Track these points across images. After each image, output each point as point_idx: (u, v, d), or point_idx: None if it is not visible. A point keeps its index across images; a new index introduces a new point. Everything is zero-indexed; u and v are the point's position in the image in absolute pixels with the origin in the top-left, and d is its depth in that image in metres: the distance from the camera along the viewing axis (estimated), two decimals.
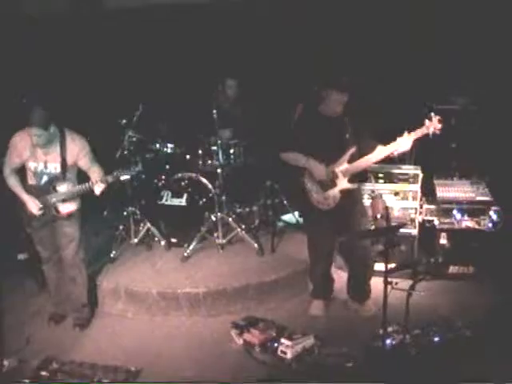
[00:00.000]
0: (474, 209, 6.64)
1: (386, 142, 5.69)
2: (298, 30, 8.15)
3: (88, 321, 6.10)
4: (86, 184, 5.69)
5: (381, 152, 5.71)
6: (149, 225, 7.16)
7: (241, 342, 5.62)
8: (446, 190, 6.77)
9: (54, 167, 5.71)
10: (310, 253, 6.20)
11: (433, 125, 5.47)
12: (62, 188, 5.74)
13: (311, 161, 5.74)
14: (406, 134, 5.58)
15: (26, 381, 5.03)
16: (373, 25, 7.90)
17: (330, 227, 5.97)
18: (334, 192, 5.76)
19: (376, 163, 5.94)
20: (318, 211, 5.89)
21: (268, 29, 8.23)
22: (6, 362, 5.21)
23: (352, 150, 5.74)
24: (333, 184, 5.76)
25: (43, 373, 5.13)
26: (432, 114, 5.52)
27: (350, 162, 5.77)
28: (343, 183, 5.78)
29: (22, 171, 5.82)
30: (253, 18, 8.35)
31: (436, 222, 6.65)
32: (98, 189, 5.65)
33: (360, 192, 6.17)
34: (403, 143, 5.59)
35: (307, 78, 7.50)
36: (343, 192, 5.77)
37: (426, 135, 5.53)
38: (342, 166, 5.77)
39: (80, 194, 5.78)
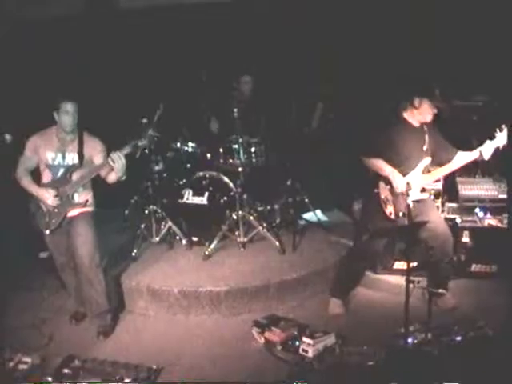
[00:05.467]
0: (496, 207, 6.60)
1: None
2: (312, 27, 8.18)
3: (112, 328, 6.03)
4: (102, 161, 5.72)
5: (461, 160, 5.74)
6: (170, 223, 7.16)
7: (262, 340, 5.62)
8: (468, 188, 6.71)
9: (72, 158, 5.77)
10: (359, 251, 6.14)
11: (504, 136, 5.53)
12: (77, 175, 5.77)
13: (395, 172, 5.67)
14: (487, 142, 5.59)
15: (49, 379, 5.06)
16: (389, 20, 7.92)
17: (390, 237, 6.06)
18: (404, 203, 5.69)
19: None
20: (387, 220, 5.82)
21: (283, 26, 8.25)
22: (28, 360, 5.27)
23: (426, 160, 5.75)
24: (406, 195, 5.71)
25: (65, 370, 5.15)
26: (503, 125, 5.55)
27: (423, 172, 5.78)
28: (416, 194, 5.75)
29: (33, 174, 5.87)
30: (266, 15, 8.38)
31: (458, 220, 6.60)
32: (118, 160, 5.56)
33: (432, 203, 6.13)
34: (486, 151, 5.61)
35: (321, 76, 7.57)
36: (416, 202, 5.72)
37: (497, 148, 5.58)
38: (416, 177, 5.75)
39: (96, 172, 5.74)
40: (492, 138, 5.59)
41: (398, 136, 5.72)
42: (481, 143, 5.66)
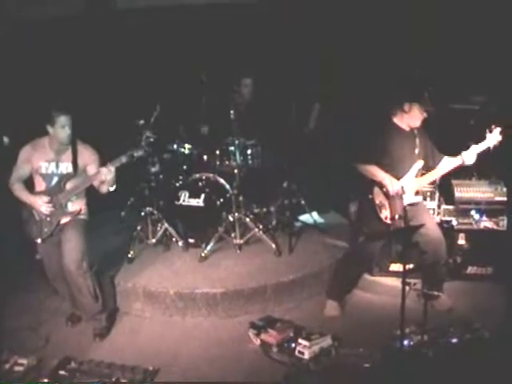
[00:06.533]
0: (492, 209, 6.61)
1: None
2: (313, 30, 8.20)
3: (108, 329, 6.02)
4: (96, 171, 5.73)
5: (447, 165, 5.84)
6: (166, 225, 7.15)
7: (258, 342, 5.62)
8: (464, 190, 6.71)
9: (66, 167, 5.78)
10: (355, 254, 6.17)
11: (494, 137, 5.59)
12: (71, 185, 5.78)
13: (389, 178, 5.68)
14: (472, 146, 5.67)
15: (45, 380, 5.06)
16: (389, 22, 7.95)
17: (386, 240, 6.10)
18: (400, 206, 5.72)
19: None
20: (383, 225, 5.83)
21: (283, 28, 8.26)
22: (24, 361, 5.26)
23: (419, 164, 5.80)
24: (400, 199, 5.73)
25: (62, 372, 5.15)
26: (493, 126, 5.60)
27: (416, 176, 5.82)
28: (410, 198, 5.77)
29: (27, 183, 5.89)
30: (267, 17, 8.39)
31: (454, 223, 6.61)
32: (108, 174, 5.60)
33: (425, 207, 6.23)
34: (468, 157, 5.69)
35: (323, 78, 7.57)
36: (410, 206, 5.74)
37: (488, 148, 5.65)
38: (410, 181, 5.78)
39: (90, 182, 5.76)
40: (478, 142, 5.64)
41: (389, 141, 5.76)
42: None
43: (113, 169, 5.62)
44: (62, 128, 5.67)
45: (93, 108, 7.69)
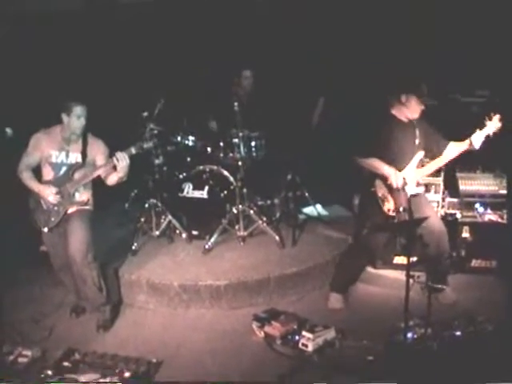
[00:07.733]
0: (496, 202, 6.59)
1: None
2: (312, 23, 8.19)
3: (111, 321, 6.03)
4: (103, 162, 5.80)
5: (453, 151, 5.78)
6: (170, 217, 7.15)
7: (262, 334, 5.62)
8: (468, 183, 6.69)
9: (76, 157, 5.80)
10: (359, 247, 6.14)
11: (494, 124, 5.55)
12: (79, 174, 5.81)
13: (391, 169, 5.66)
14: (477, 131, 5.60)
15: (49, 372, 5.07)
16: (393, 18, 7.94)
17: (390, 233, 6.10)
18: (405, 198, 5.70)
19: None
20: (386, 217, 5.82)
21: (283, 21, 8.26)
22: (28, 353, 5.29)
23: (420, 155, 5.78)
24: (404, 191, 5.72)
25: (65, 364, 5.17)
26: (492, 113, 5.57)
27: (417, 166, 5.81)
28: (411, 189, 5.76)
29: (34, 171, 5.90)
30: (267, 8, 8.39)
31: (458, 216, 6.60)
32: (122, 160, 5.63)
33: (426, 198, 6.20)
34: (476, 140, 5.62)
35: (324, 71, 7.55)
36: (412, 197, 5.70)
37: (487, 136, 5.60)
38: (411, 172, 5.77)
39: (99, 172, 5.79)
40: (482, 127, 5.61)
41: (389, 134, 5.73)
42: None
43: (127, 155, 5.67)
44: (77, 118, 5.71)
45: (96, 101, 7.67)
